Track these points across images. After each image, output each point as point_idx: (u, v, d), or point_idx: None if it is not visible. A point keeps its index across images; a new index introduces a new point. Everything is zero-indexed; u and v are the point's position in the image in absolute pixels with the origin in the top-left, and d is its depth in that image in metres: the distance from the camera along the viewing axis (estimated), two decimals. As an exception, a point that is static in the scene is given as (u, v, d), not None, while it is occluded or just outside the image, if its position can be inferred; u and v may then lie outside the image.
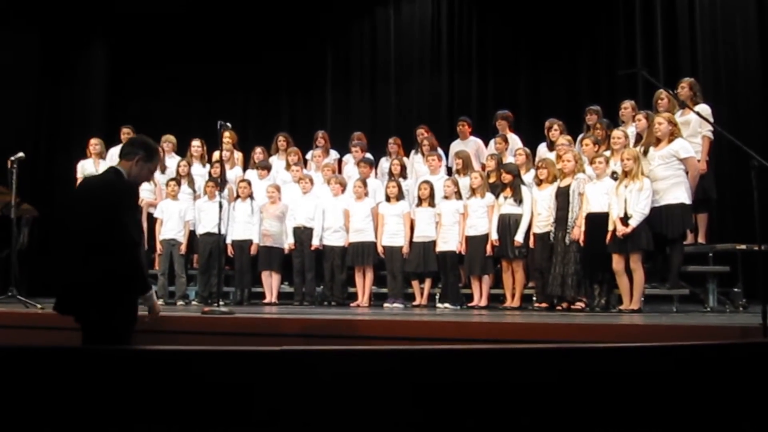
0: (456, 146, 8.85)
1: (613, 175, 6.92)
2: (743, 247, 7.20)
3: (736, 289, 7.24)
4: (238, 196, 8.68)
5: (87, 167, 9.28)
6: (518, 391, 2.40)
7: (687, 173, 6.74)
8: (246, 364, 2.41)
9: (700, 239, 7.29)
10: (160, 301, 8.40)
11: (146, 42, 12.48)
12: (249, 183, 8.74)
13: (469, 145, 8.80)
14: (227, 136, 8.88)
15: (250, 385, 2.36)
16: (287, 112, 12.02)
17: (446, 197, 7.97)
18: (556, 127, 8.07)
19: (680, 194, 6.62)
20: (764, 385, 2.49)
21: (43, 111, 12.35)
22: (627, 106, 7.96)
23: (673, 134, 6.77)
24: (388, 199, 8.23)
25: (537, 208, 7.34)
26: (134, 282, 3.87)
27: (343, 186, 8.54)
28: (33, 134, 12.00)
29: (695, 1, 9.35)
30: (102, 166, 9.25)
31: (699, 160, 7.07)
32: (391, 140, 9.12)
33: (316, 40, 11.86)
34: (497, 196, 7.67)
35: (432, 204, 8.05)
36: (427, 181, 8.12)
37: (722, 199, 8.55)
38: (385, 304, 8.04)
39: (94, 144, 9.41)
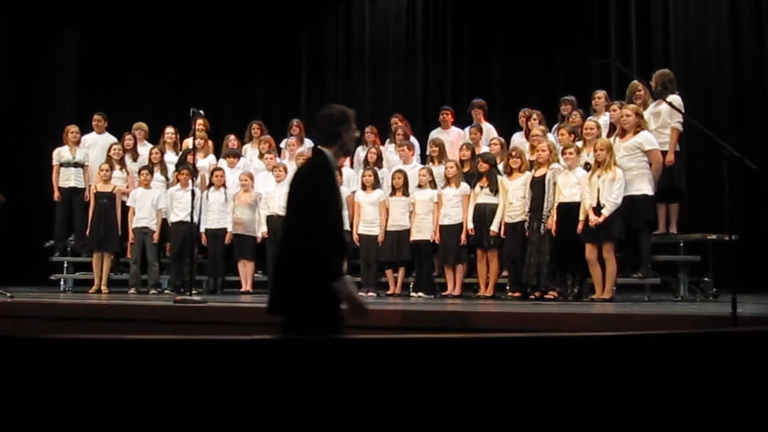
0: (434, 135, 8.84)
1: (586, 166, 6.96)
2: (714, 237, 7.28)
3: (706, 279, 7.32)
4: (211, 184, 8.62)
5: (63, 154, 9.15)
6: (489, 380, 2.40)
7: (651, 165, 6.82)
8: (213, 354, 2.39)
9: (672, 229, 7.36)
10: (132, 290, 8.40)
11: (119, 28, 12.31)
12: (223, 171, 8.69)
13: (450, 134, 8.79)
14: (200, 124, 8.80)
15: (220, 376, 2.35)
16: (261, 99, 11.94)
17: (420, 186, 7.97)
18: (535, 116, 8.08)
19: (643, 185, 6.71)
20: (733, 374, 2.52)
21: (12, 97, 12.18)
22: (600, 96, 8.00)
23: (639, 126, 6.85)
24: (364, 187, 8.21)
25: (509, 198, 7.35)
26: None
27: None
28: (2, 121, 11.82)
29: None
30: (79, 153, 9.15)
31: (668, 152, 7.13)
32: (367, 129, 9.09)
33: (291, 27, 11.79)
34: (473, 186, 7.67)
35: (406, 193, 8.04)
36: (400, 170, 8.12)
37: (693, 190, 8.65)
38: (359, 293, 8.02)
39: (74, 131, 9.27)
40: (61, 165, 9.12)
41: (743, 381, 2.52)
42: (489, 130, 8.62)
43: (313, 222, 3.40)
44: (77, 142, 9.25)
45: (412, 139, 8.86)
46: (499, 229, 7.38)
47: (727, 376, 2.53)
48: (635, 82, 7.51)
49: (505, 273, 7.63)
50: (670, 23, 9.36)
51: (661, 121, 7.23)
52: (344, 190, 8.28)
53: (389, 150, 8.95)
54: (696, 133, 8.15)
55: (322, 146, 3.58)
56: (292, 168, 8.79)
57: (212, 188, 8.58)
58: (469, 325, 5.08)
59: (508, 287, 7.52)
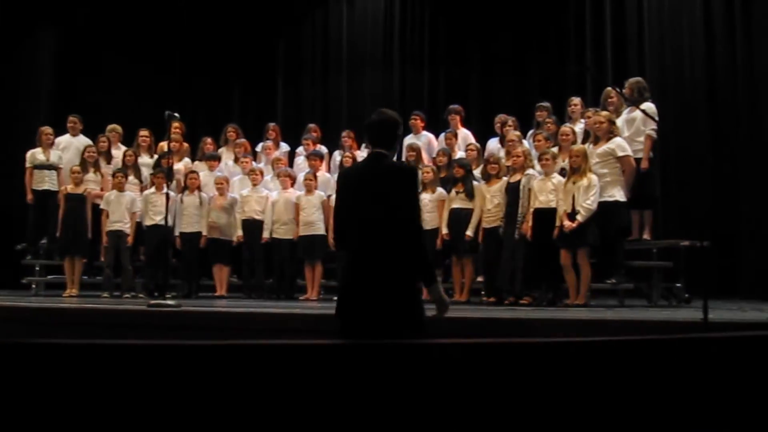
0: (408, 140, 8.84)
1: (562, 172, 7.00)
2: (686, 243, 7.34)
3: (678, 285, 7.39)
4: (185, 188, 8.57)
5: (37, 156, 9.04)
6: (458, 386, 2.41)
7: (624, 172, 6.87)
8: (188, 358, 2.38)
9: (646, 236, 7.41)
10: (105, 294, 8.32)
11: (94, 30, 12.23)
12: (198, 175, 8.65)
13: (421, 139, 8.80)
14: (175, 127, 8.74)
15: (198, 382, 2.33)
16: (237, 103, 11.91)
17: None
18: (510, 122, 8.12)
19: (615, 192, 6.75)
20: (705, 379, 2.55)
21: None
22: (576, 102, 8.05)
23: (612, 133, 6.89)
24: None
25: (486, 204, 7.38)
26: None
27: (293, 179, 8.50)
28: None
29: (643, 1, 9.50)
30: (53, 156, 9.04)
31: (642, 159, 7.19)
32: (344, 133, 9.09)
33: (268, 30, 11.76)
34: (448, 191, 7.70)
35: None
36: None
37: (666, 196, 8.74)
38: (335, 298, 8.02)
39: (48, 133, 9.16)
40: (35, 167, 9.01)
41: (714, 386, 2.55)
42: (465, 135, 8.65)
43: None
44: (51, 144, 9.13)
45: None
46: (475, 234, 7.41)
47: (699, 382, 2.55)
48: (608, 89, 7.58)
49: (480, 278, 7.66)
50: (645, 31, 9.46)
51: (635, 128, 7.28)
52: (321, 194, 8.29)
53: (362, 155, 8.92)
54: (669, 140, 8.27)
55: (382, 149, 3.66)
56: (268, 172, 8.78)
57: (186, 191, 8.53)
58: (441, 329, 5.08)
59: (483, 292, 7.55)
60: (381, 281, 3.44)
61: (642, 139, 7.25)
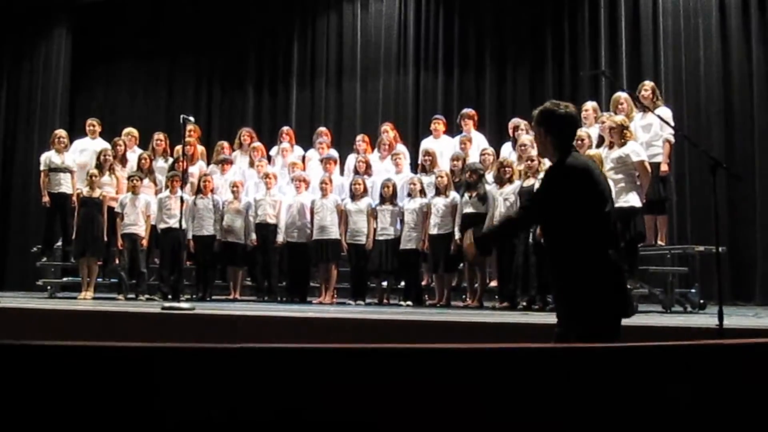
0: (427, 143, 8.83)
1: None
2: (701, 249, 7.32)
3: (693, 290, 7.36)
4: (199, 191, 8.59)
5: (52, 159, 9.08)
6: (461, 392, 2.40)
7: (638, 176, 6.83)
8: (202, 361, 2.38)
9: (660, 241, 7.38)
10: (120, 297, 8.36)
11: (110, 33, 12.33)
12: (211, 178, 8.69)
13: (441, 143, 8.78)
14: (190, 131, 8.79)
15: (204, 384, 2.33)
16: (252, 106, 11.92)
17: (410, 195, 7.97)
18: (523, 126, 8.07)
19: (630, 197, 6.69)
20: (719, 387, 2.53)
21: (0, 102, 12.15)
22: (588, 108, 8.01)
23: (625, 138, 6.84)
24: (353, 196, 8.21)
25: (498, 208, 7.35)
26: None
27: (307, 183, 8.52)
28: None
29: (659, 4, 9.46)
30: (67, 159, 9.10)
31: (661, 163, 7.17)
32: (359, 138, 9.09)
33: (283, 33, 11.79)
34: (462, 196, 7.68)
35: (394, 202, 8.05)
36: (390, 180, 8.12)
37: (681, 201, 8.70)
38: (348, 301, 8.05)
39: (62, 137, 9.22)
40: (50, 170, 9.06)
41: (729, 394, 2.53)
42: (479, 139, 8.63)
43: None
44: (65, 147, 9.19)
45: (402, 148, 8.86)
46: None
47: (713, 389, 2.53)
48: (617, 94, 7.55)
49: (494, 283, 7.65)
50: (660, 35, 9.41)
51: (653, 133, 7.26)
52: (335, 198, 8.30)
53: (375, 159, 8.91)
54: (684, 144, 8.22)
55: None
56: (283, 175, 8.78)
57: (200, 195, 8.56)
58: (451, 335, 5.08)
59: (497, 296, 7.53)
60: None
61: (660, 143, 7.22)
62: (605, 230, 3.35)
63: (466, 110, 8.90)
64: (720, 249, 5.26)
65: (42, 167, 9.15)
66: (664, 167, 7.19)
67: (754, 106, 8.87)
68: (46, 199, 9.07)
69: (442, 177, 7.83)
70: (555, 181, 3.45)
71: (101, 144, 9.33)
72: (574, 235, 3.32)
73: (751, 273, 8.62)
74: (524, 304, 7.03)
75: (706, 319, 5.50)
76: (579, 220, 3.32)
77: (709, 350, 2.74)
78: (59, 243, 9.17)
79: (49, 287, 9.18)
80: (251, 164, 9.04)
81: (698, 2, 9.23)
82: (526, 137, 7.74)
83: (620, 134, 6.82)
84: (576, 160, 3.43)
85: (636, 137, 7.06)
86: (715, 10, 9.14)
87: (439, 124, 8.88)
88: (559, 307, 3.56)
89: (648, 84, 7.56)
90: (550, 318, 4.99)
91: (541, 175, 7.02)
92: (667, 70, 9.26)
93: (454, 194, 7.76)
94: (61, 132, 9.38)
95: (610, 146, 6.93)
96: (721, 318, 4.35)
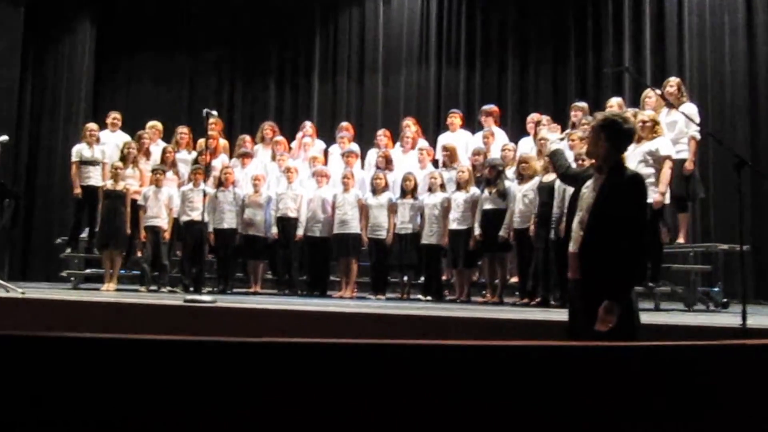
0: (444, 138, 8.81)
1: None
2: (725, 247, 7.26)
3: (716, 289, 7.29)
4: (220, 184, 8.62)
5: (83, 152, 9.14)
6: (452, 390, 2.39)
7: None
8: (223, 354, 2.39)
9: (681, 239, 7.32)
10: (143, 288, 8.43)
11: (134, 27, 12.41)
12: (232, 170, 8.72)
13: (458, 137, 8.76)
14: (213, 124, 8.82)
15: (227, 378, 2.34)
16: (274, 100, 11.97)
17: (431, 190, 7.96)
18: (545, 121, 8.02)
19: (652, 193, 6.61)
20: (743, 386, 2.50)
21: (25, 94, 12.26)
22: (613, 104, 7.92)
23: (656, 132, 6.77)
24: (374, 190, 8.21)
25: (517, 204, 7.31)
26: None
27: (328, 177, 8.53)
28: (16, 117, 11.90)
29: (684, 0, 9.37)
30: (97, 151, 9.15)
31: (686, 161, 7.10)
32: (379, 132, 9.10)
33: (305, 28, 11.81)
34: (482, 191, 7.66)
35: (415, 196, 8.04)
36: (411, 174, 8.11)
37: (705, 199, 8.63)
38: (368, 296, 8.06)
39: (93, 129, 9.28)
40: (81, 162, 9.10)
41: (753, 394, 2.50)
42: (500, 135, 8.58)
43: None
44: (96, 140, 9.24)
45: (423, 143, 8.85)
46: (508, 234, 7.37)
47: (737, 389, 2.51)
48: (647, 91, 7.48)
49: (514, 279, 7.63)
50: (684, 31, 9.33)
51: (678, 131, 7.18)
52: (357, 193, 8.31)
53: (397, 153, 8.91)
54: (709, 141, 8.14)
55: None
56: (304, 169, 8.80)
57: (221, 187, 8.59)
58: (471, 331, 5.06)
59: (517, 293, 7.51)
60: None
61: (685, 140, 7.16)
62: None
63: (487, 107, 8.86)
64: (744, 247, 5.21)
65: (73, 158, 9.19)
66: (689, 165, 7.11)
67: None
68: (77, 191, 9.10)
69: (463, 172, 7.80)
70: (639, 193, 3.61)
71: (122, 137, 9.39)
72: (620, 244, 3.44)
73: (776, 272, 8.55)
74: (538, 300, 7.00)
75: (729, 318, 5.45)
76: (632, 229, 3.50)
77: (732, 350, 2.72)
78: (84, 234, 9.23)
79: (72, 278, 9.27)
80: (273, 158, 9.06)
81: (724, -3, 9.15)
82: (546, 132, 7.67)
83: (651, 129, 6.74)
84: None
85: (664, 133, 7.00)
86: (741, 7, 9.05)
87: (455, 118, 8.86)
88: (587, 304, 3.53)
89: (674, 80, 7.48)
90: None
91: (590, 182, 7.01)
92: (692, 67, 9.18)
93: (474, 189, 7.73)
94: (92, 125, 9.44)
95: (638, 141, 6.84)
96: (744, 317, 4.31)
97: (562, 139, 4.07)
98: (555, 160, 4.21)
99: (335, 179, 8.54)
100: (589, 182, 3.64)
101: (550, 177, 7.08)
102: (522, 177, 7.38)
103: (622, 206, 3.49)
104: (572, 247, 3.64)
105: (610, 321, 3.40)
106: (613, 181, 3.53)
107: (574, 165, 6.92)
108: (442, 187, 7.95)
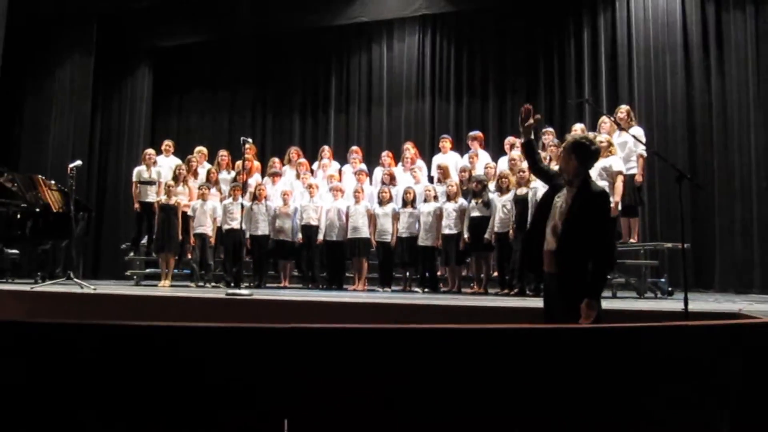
0: (438, 159, 8.82)
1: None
2: (669, 245, 7.27)
3: (662, 279, 7.27)
4: (255, 198, 8.64)
5: (142, 174, 9.19)
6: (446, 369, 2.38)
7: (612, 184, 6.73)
8: (259, 338, 2.39)
9: (633, 239, 7.31)
10: (192, 285, 8.43)
11: (183, 70, 12.48)
12: (265, 187, 8.74)
13: (449, 158, 8.76)
14: (248, 149, 8.84)
15: (258, 360, 2.34)
16: (298, 129, 11.98)
17: (426, 201, 7.96)
18: (518, 144, 7.99)
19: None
20: (686, 363, 2.49)
21: (96, 127, 12.33)
22: (577, 129, 7.92)
23: (610, 152, 6.79)
24: (380, 202, 8.21)
25: (498, 212, 7.33)
26: None
27: (342, 192, 8.53)
28: (88, 145, 11.96)
29: (633, 43, 9.36)
30: (153, 173, 9.17)
31: (636, 174, 7.10)
32: (384, 153, 9.10)
33: (323, 70, 11.84)
34: (469, 202, 7.66)
35: (414, 206, 8.04)
36: (410, 187, 8.12)
37: (652, 206, 8.64)
38: (377, 289, 8.05)
39: (151, 154, 9.32)
40: (140, 182, 9.14)
41: (695, 369, 2.49)
42: (484, 156, 8.59)
43: None
44: (154, 163, 9.27)
45: (421, 163, 8.85)
46: (491, 237, 7.37)
47: (680, 361, 2.50)
48: (602, 118, 7.50)
49: (495, 273, 7.61)
50: (634, 68, 9.31)
51: (627, 150, 7.19)
52: (366, 204, 8.30)
53: (398, 171, 8.89)
54: (654, 159, 8.13)
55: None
56: (323, 185, 8.80)
57: (256, 201, 8.60)
58: (461, 317, 5.05)
59: (499, 285, 7.49)
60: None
61: (634, 158, 7.16)
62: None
63: (473, 132, 8.87)
64: (685, 245, 5.19)
65: (134, 179, 9.24)
66: (639, 178, 7.12)
67: (713, 127, 8.76)
68: (137, 206, 9.15)
69: (452, 186, 7.81)
70: (606, 207, 3.59)
71: (174, 161, 9.42)
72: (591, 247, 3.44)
73: (711, 265, 8.52)
74: (516, 290, 6.98)
75: (674, 304, 5.43)
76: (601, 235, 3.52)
77: (677, 330, 2.71)
78: (144, 241, 9.26)
79: (134, 277, 9.29)
80: (297, 176, 9.07)
81: (666, 41, 9.11)
82: (516, 152, 7.66)
83: (606, 149, 6.74)
84: (603, 188, 3.73)
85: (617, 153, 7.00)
86: (680, 48, 9.03)
87: (446, 142, 8.88)
88: (565, 292, 3.53)
89: (624, 108, 7.49)
90: (540, 302, 4.96)
91: (534, 184, 7.00)
92: (640, 97, 9.16)
93: (462, 200, 7.74)
94: (150, 151, 9.48)
95: (595, 159, 6.85)
96: (686, 303, 4.29)
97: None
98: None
99: (348, 193, 8.54)
100: (561, 193, 3.61)
101: (523, 190, 7.09)
102: (501, 190, 7.38)
103: (593, 217, 3.47)
104: (547, 246, 3.62)
105: (592, 315, 3.38)
106: (584, 195, 3.51)
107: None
108: (435, 198, 7.95)
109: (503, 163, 8.18)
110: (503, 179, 7.37)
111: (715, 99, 8.77)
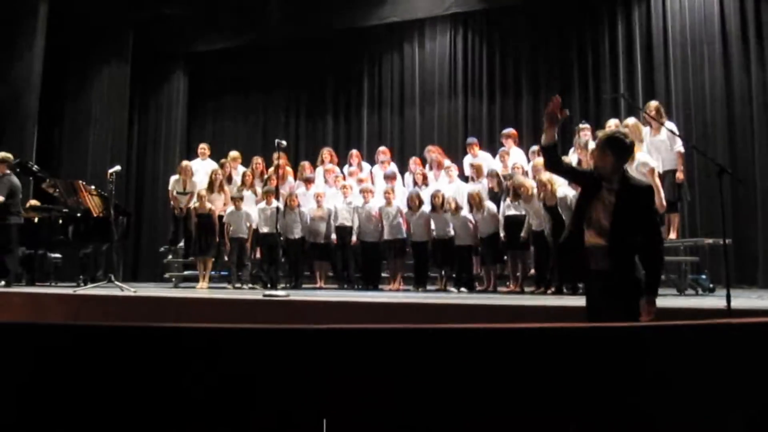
0: (470, 159, 8.77)
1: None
2: (710, 241, 7.12)
3: (703, 276, 7.14)
4: (287, 205, 8.67)
5: (178, 185, 9.29)
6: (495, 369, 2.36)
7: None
8: (296, 339, 2.41)
9: (672, 236, 7.18)
10: (230, 286, 8.54)
11: (218, 75, 12.64)
12: (296, 195, 8.77)
13: (478, 159, 8.68)
14: (280, 156, 8.88)
15: (294, 364, 2.36)
16: (331, 131, 12.05)
17: (470, 204, 7.83)
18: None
19: None
20: (728, 361, 2.44)
21: (133, 132, 12.56)
22: (612, 124, 7.82)
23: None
24: (410, 208, 8.14)
25: (533, 213, 7.25)
26: None
27: (372, 193, 8.50)
28: (126, 151, 12.19)
29: (669, 35, 9.21)
30: (188, 185, 9.24)
31: (676, 171, 6.98)
32: (411, 159, 9.06)
33: (355, 71, 11.88)
34: (504, 200, 7.60)
35: (444, 209, 7.90)
36: (439, 191, 8.01)
37: (692, 201, 8.47)
38: (413, 289, 8.04)
39: (186, 166, 9.37)
40: (177, 193, 9.26)
41: (737, 368, 2.44)
42: (518, 155, 8.48)
43: None
44: (190, 175, 9.31)
45: (449, 163, 8.77)
46: (528, 236, 7.30)
47: (722, 361, 2.45)
48: (625, 121, 7.38)
49: (532, 272, 7.55)
50: (670, 61, 9.17)
51: (665, 148, 7.05)
52: (398, 205, 8.28)
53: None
54: (694, 154, 7.99)
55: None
56: (355, 187, 8.82)
57: (288, 207, 8.62)
58: (498, 316, 5.02)
59: (535, 283, 7.42)
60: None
61: (674, 155, 7.03)
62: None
63: (506, 130, 8.80)
64: (726, 241, 5.09)
65: (170, 187, 9.38)
66: (680, 175, 6.99)
67: (753, 119, 8.58)
68: (177, 211, 9.24)
69: (491, 188, 7.78)
70: (652, 201, 3.58)
71: (210, 164, 9.53)
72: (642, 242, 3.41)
73: (754, 261, 8.33)
74: (553, 289, 6.91)
75: (716, 301, 5.32)
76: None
77: (719, 328, 2.66)
78: (182, 244, 9.39)
79: (173, 279, 9.44)
80: (326, 181, 9.09)
81: (703, 32, 8.96)
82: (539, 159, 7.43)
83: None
84: (643, 180, 3.75)
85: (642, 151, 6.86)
86: (717, 39, 8.86)
87: (474, 147, 8.80)
88: (616, 290, 3.44)
89: (653, 104, 7.29)
90: (579, 301, 4.91)
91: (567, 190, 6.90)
92: (677, 91, 9.01)
93: (490, 204, 7.66)
94: (185, 162, 9.56)
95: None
96: (728, 300, 4.21)
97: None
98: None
99: (378, 194, 8.54)
100: (599, 192, 3.55)
101: (561, 193, 6.93)
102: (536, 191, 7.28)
103: (642, 211, 3.42)
104: (592, 244, 3.50)
105: (653, 312, 3.34)
106: (629, 190, 3.44)
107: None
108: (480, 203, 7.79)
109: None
110: (522, 188, 7.25)
111: (756, 91, 8.58)
